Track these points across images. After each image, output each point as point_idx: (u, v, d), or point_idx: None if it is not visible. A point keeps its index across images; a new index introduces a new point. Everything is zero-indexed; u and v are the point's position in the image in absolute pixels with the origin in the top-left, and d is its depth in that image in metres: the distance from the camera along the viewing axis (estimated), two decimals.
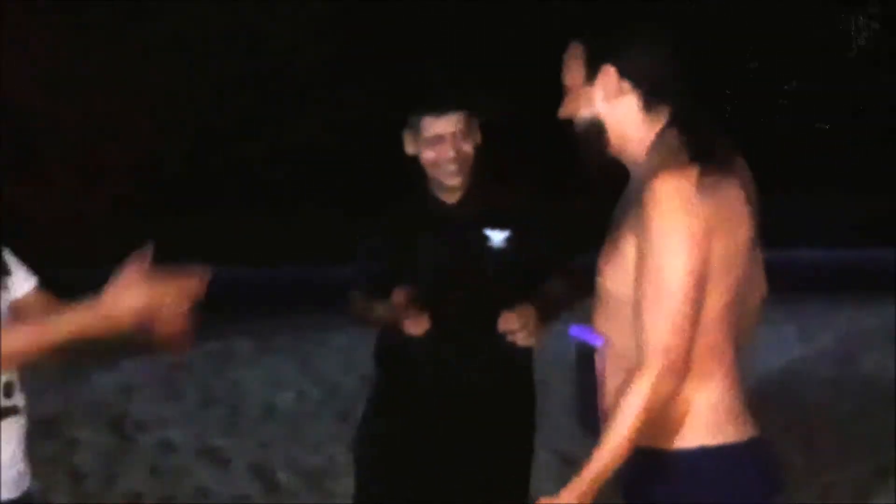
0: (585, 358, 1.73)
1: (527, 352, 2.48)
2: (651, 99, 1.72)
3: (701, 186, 1.61)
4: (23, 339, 1.68)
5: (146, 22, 12.75)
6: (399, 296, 2.39)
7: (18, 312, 1.94)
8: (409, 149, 2.57)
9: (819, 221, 13.29)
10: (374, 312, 2.55)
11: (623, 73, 1.73)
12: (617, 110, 1.74)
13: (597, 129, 1.76)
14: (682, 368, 1.59)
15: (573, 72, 1.79)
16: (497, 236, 2.55)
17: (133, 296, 1.57)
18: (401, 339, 2.45)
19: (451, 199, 2.58)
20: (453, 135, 2.50)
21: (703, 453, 1.67)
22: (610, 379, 1.69)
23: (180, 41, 12.87)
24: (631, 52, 1.73)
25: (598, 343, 1.71)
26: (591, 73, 1.75)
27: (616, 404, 1.61)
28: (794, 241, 10.95)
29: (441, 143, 2.50)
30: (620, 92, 1.73)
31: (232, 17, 13.18)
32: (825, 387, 5.85)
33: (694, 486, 1.67)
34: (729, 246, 1.65)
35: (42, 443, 4.69)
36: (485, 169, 2.61)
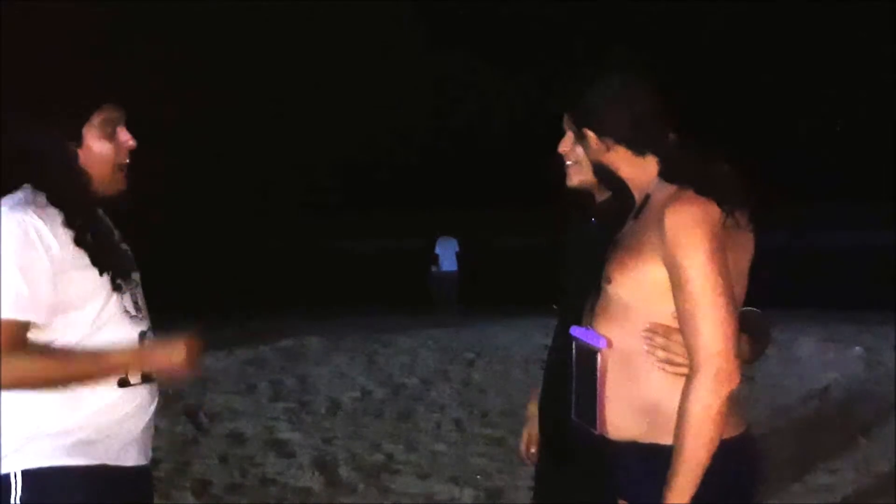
0: (587, 358, 1.85)
1: None
2: (638, 147, 1.86)
3: (713, 209, 1.73)
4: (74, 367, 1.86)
5: None
6: None
7: None
8: None
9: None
10: None
11: (602, 135, 1.87)
12: (612, 160, 1.89)
13: (604, 169, 1.92)
14: (732, 368, 1.70)
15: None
16: None
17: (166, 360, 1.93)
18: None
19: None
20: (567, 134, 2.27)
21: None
22: (611, 377, 1.81)
23: None
24: (603, 114, 1.87)
25: (600, 344, 1.82)
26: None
27: (681, 413, 1.70)
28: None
29: None
30: (607, 149, 1.89)
31: None
32: (887, 408, 5.80)
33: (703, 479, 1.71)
34: (737, 262, 1.78)
35: None
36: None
